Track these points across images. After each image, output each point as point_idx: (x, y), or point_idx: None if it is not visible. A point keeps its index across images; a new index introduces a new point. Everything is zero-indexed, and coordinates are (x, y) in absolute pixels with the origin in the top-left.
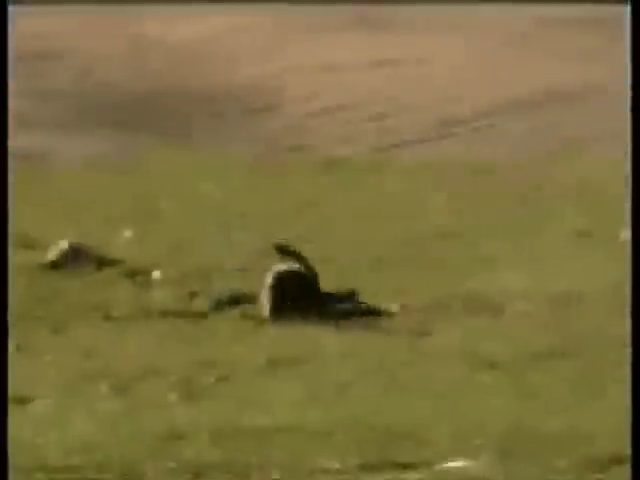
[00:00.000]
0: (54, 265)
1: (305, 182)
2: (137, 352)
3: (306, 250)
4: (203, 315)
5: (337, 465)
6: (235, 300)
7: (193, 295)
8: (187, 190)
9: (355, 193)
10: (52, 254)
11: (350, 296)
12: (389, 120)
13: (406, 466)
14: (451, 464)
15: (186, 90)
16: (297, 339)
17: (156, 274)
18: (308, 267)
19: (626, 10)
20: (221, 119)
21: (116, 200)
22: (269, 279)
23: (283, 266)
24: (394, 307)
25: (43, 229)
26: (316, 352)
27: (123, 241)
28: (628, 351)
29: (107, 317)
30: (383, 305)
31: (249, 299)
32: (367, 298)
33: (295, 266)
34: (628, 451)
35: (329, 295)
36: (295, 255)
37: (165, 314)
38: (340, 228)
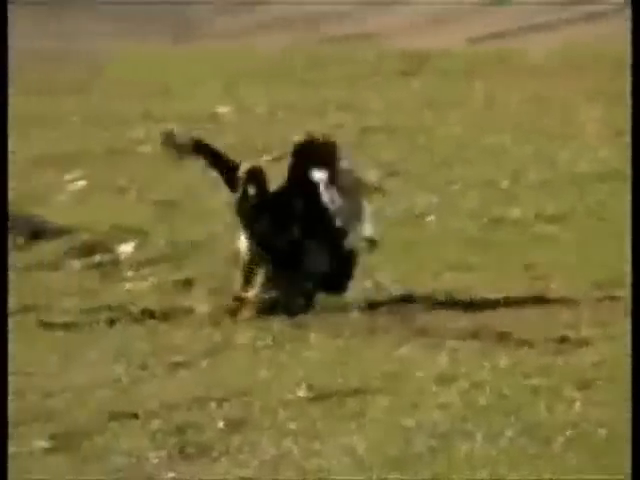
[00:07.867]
0: None
1: None
2: (86, 384)
3: None
4: (203, 318)
5: None
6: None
7: (185, 284)
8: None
9: None
10: None
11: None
12: None
13: None
14: None
15: None
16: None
17: (125, 249)
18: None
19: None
20: None
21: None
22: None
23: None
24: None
25: None
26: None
27: (72, 195)
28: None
29: (43, 323)
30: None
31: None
32: None
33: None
34: None
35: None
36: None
37: (140, 316)
38: None
